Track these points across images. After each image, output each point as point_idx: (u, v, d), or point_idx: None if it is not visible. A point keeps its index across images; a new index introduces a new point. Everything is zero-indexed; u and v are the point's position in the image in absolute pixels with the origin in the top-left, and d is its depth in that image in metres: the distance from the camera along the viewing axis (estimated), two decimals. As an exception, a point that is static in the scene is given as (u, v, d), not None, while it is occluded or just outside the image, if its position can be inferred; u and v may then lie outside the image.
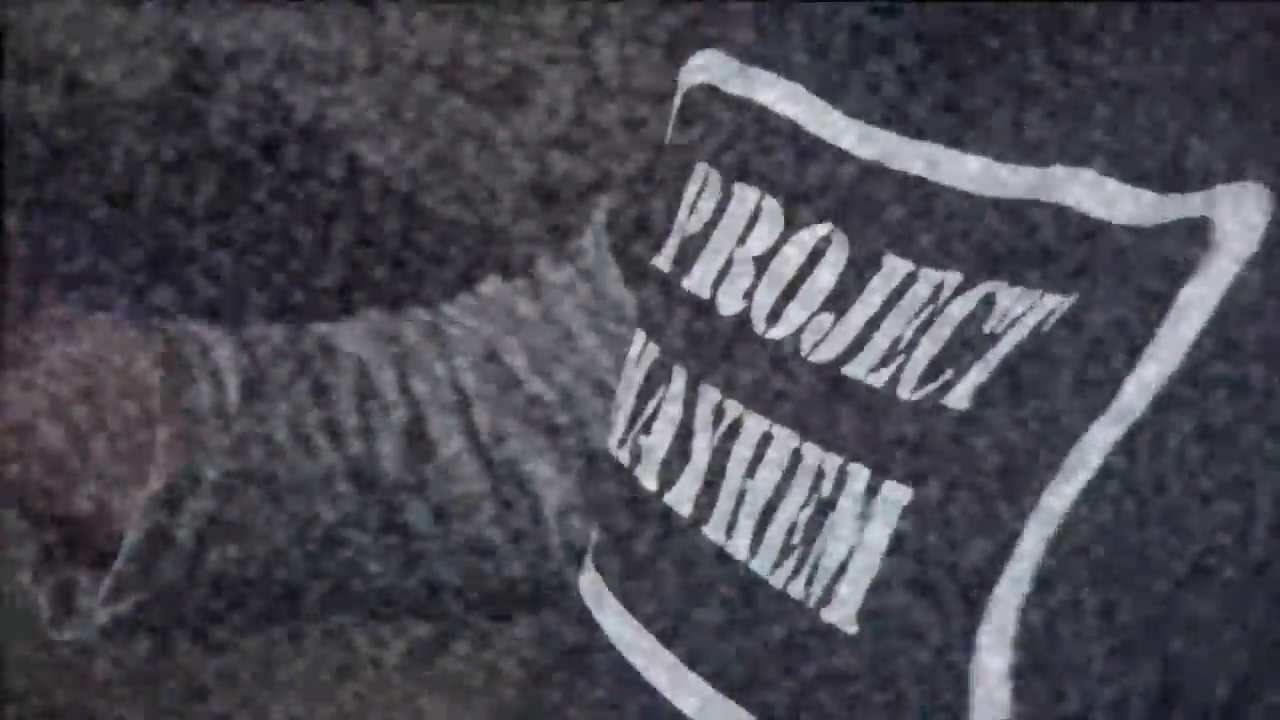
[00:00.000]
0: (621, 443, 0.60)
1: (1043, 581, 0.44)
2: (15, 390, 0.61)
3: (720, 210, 0.59)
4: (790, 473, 0.52)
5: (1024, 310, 0.48)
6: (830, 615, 0.49)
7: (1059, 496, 0.44)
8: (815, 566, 0.50)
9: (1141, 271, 0.46)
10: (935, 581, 0.46)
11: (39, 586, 0.63)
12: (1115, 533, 0.44)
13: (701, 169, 0.61)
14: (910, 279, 0.52)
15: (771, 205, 0.57)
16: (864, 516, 0.49)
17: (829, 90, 0.57)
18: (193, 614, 0.64)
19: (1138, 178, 0.48)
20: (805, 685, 0.50)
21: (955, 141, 0.53)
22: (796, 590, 0.50)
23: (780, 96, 0.59)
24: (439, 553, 0.67)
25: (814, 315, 0.54)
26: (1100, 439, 0.44)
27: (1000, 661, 0.45)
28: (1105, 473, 0.44)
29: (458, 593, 0.68)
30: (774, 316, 0.55)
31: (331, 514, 0.65)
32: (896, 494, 0.49)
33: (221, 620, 0.65)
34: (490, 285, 0.71)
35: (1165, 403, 0.44)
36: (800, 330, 0.54)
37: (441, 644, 1.36)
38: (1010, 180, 0.51)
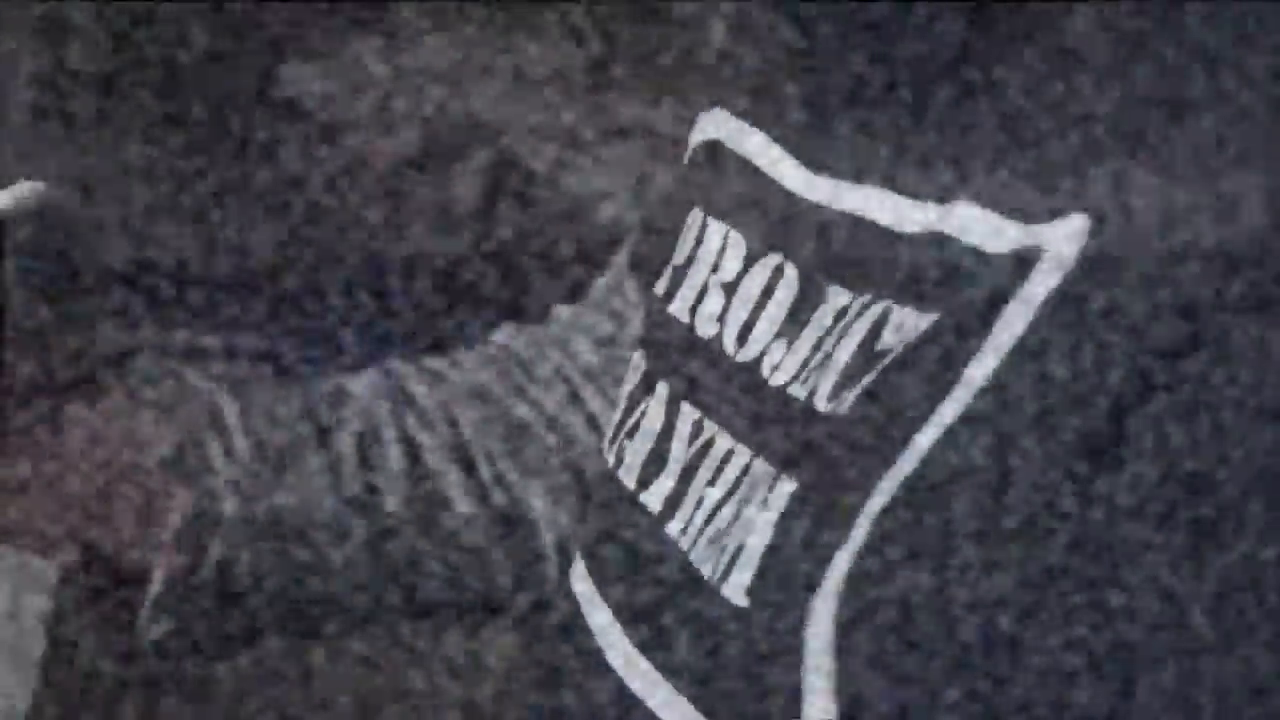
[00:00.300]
0: (610, 444, 0.68)
1: (858, 567, 0.50)
2: (49, 450, 0.72)
3: (698, 243, 0.67)
4: (738, 483, 0.59)
5: (910, 328, 0.55)
6: (728, 591, 0.56)
7: (883, 492, 0.50)
8: (723, 549, 0.57)
9: (986, 293, 0.52)
10: (794, 561, 0.53)
11: (84, 621, 0.74)
12: (922, 525, 0.50)
13: (695, 210, 0.68)
14: (847, 308, 0.58)
15: (736, 238, 0.64)
16: (762, 507, 0.56)
17: (785, 140, 0.64)
18: (220, 634, 0.74)
19: (1009, 211, 0.54)
20: (717, 661, 0.56)
21: (881, 183, 0.59)
22: (708, 570, 0.57)
23: (752, 147, 0.66)
24: (439, 574, 0.76)
25: (772, 341, 0.61)
26: (922, 442, 0.50)
27: (824, 635, 0.51)
28: (919, 472, 0.50)
29: (456, 606, 0.77)
30: (740, 340, 0.62)
31: (338, 548, 0.74)
32: (786, 487, 0.55)
33: (245, 638, 0.75)
34: (504, 332, 0.80)
35: (973, 413, 0.50)
36: (762, 354, 0.61)
37: (431, 650, 1.46)
38: (916, 215, 0.57)
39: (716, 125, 0.69)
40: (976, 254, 0.54)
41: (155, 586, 0.73)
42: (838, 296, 0.59)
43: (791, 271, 0.61)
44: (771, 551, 0.54)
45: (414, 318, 1.97)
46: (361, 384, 0.78)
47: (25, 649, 0.68)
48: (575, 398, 0.77)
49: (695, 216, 0.68)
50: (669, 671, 0.58)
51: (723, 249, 0.65)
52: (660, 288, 0.69)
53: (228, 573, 0.73)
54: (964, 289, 0.53)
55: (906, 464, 0.50)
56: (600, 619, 0.64)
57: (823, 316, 0.59)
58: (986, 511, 0.49)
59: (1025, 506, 0.49)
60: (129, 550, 0.74)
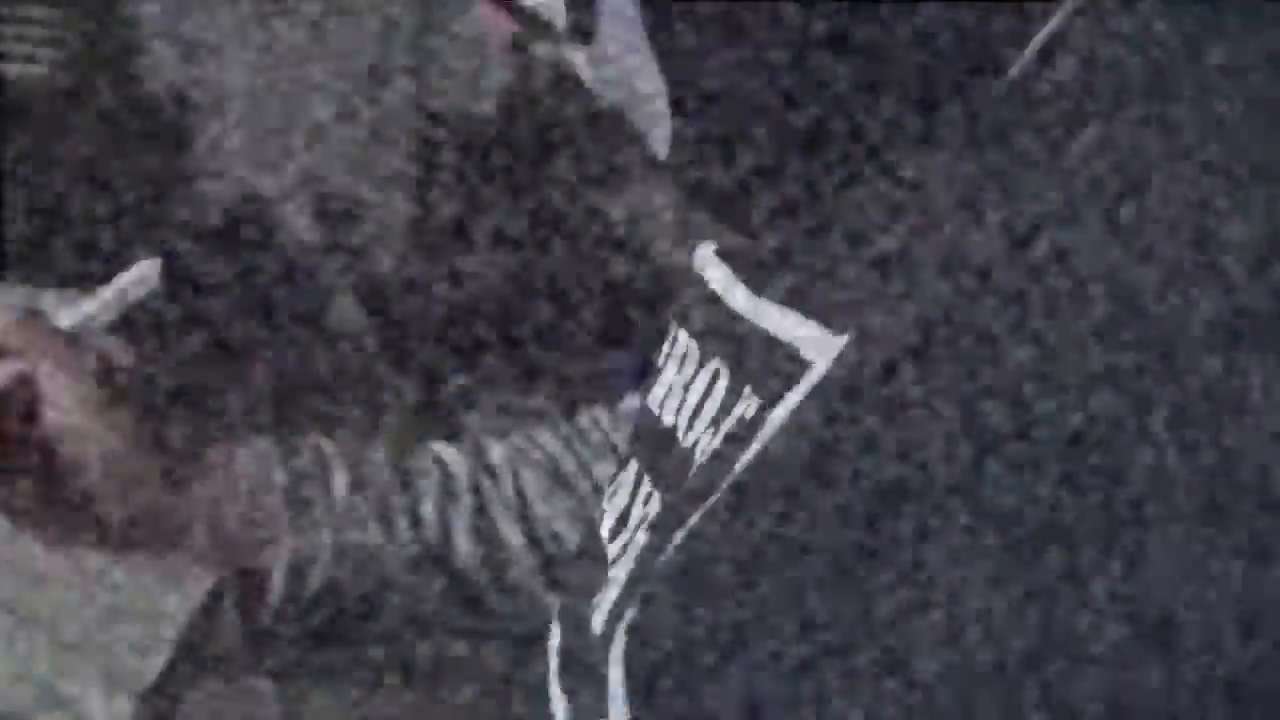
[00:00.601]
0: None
1: (643, 594, 0.64)
2: (198, 496, 0.93)
3: (670, 348, 0.82)
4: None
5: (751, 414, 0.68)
6: (594, 620, 0.70)
7: (672, 540, 0.65)
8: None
9: (786, 390, 0.65)
10: (625, 597, 0.67)
11: (222, 621, 0.94)
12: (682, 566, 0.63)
13: (673, 321, 0.83)
14: (750, 405, 0.72)
15: (693, 345, 0.79)
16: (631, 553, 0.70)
17: (728, 259, 0.78)
18: (318, 636, 0.94)
19: (840, 324, 0.65)
20: (582, 682, 0.70)
21: (785, 300, 0.71)
22: (595, 600, 0.72)
23: (712, 269, 0.80)
24: (498, 607, 0.95)
25: (704, 430, 0.74)
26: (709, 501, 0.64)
27: (618, 652, 0.64)
28: (700, 523, 0.64)
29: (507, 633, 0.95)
30: (688, 430, 0.77)
31: (413, 579, 0.94)
32: (643, 538, 0.70)
33: (336, 641, 0.95)
34: (584, 414, 0.97)
35: (740, 487, 0.63)
36: (696, 442, 0.75)
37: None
38: (786, 325, 0.69)
39: (702, 255, 0.85)
40: (798, 360, 0.66)
41: (273, 599, 0.93)
42: (749, 397, 0.73)
43: (725, 375, 0.75)
44: (624, 586, 0.69)
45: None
46: (448, 450, 0.97)
47: (165, 636, 0.88)
48: (607, 465, 0.94)
49: (672, 326, 0.83)
50: (566, 692, 0.73)
51: (684, 355, 0.80)
52: (645, 385, 0.84)
53: (326, 593, 0.93)
54: (778, 385, 0.67)
55: (690, 520, 0.65)
56: (554, 640, 0.79)
57: (737, 413, 0.73)
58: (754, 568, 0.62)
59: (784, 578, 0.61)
60: (260, 569, 0.94)
